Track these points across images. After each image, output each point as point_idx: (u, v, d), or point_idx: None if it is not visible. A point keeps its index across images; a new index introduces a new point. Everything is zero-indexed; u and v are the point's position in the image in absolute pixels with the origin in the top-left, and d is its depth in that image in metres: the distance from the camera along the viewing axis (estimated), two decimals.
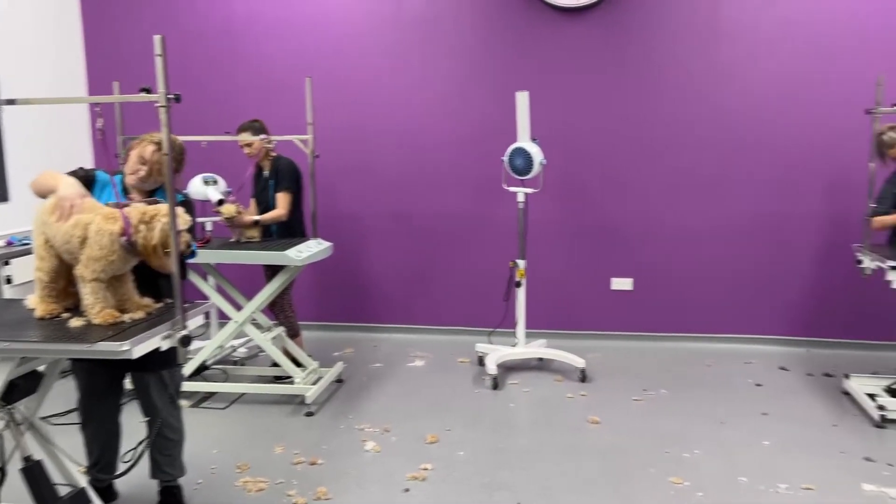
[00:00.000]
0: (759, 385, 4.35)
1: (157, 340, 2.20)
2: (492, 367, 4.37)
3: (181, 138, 2.99)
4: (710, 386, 4.34)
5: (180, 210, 2.30)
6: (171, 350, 2.27)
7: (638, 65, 4.94)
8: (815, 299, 4.99)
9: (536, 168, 4.36)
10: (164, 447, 2.88)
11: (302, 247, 3.99)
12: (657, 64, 4.93)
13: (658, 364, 4.75)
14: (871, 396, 3.83)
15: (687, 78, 4.91)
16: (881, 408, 3.68)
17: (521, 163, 4.40)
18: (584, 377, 4.44)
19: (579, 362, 4.46)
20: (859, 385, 4.04)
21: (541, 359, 4.80)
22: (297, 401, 4.11)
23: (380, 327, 5.51)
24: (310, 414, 3.94)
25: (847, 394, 4.13)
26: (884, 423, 3.68)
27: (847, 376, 4.16)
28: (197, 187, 4.25)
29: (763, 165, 4.91)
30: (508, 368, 4.67)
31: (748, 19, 4.79)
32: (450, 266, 5.36)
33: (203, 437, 3.64)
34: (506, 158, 4.47)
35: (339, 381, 4.48)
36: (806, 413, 3.91)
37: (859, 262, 3.91)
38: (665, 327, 5.19)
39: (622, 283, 5.18)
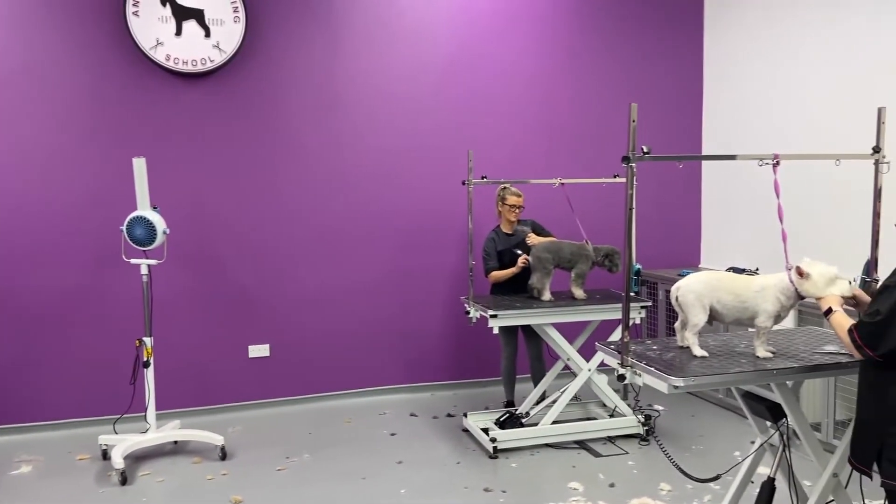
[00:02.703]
0: (393, 434, 4.63)
1: None
2: (118, 460, 3.93)
3: None
4: (350, 442, 4.48)
5: None
6: None
7: (261, 131, 5.01)
8: (434, 347, 5.52)
9: (160, 238, 4.11)
10: None
11: None
12: (279, 131, 5.05)
13: (300, 428, 4.76)
14: (486, 431, 4.33)
15: (307, 146, 5.12)
16: (493, 440, 4.18)
17: (142, 232, 4.10)
18: (224, 454, 4.24)
19: (218, 439, 4.25)
20: (475, 421, 4.54)
21: (176, 441, 4.46)
22: None
23: None
24: None
25: (466, 431, 4.61)
26: (496, 453, 4.19)
27: (465, 415, 4.65)
28: None
29: (384, 229, 5.31)
30: (139, 458, 4.24)
31: (357, 95, 5.18)
32: (62, 350, 4.72)
33: None
34: (124, 228, 4.13)
35: None
36: (434, 455, 4.26)
37: (467, 311, 4.45)
38: (304, 389, 5.24)
39: (259, 350, 5.12)
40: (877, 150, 2.89)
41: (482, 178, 4.55)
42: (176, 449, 4.42)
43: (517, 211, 4.69)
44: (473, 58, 5.39)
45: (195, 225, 4.91)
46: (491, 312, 4.14)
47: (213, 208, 4.96)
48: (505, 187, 4.72)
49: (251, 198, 5.03)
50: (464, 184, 4.50)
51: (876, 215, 2.94)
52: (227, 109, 4.93)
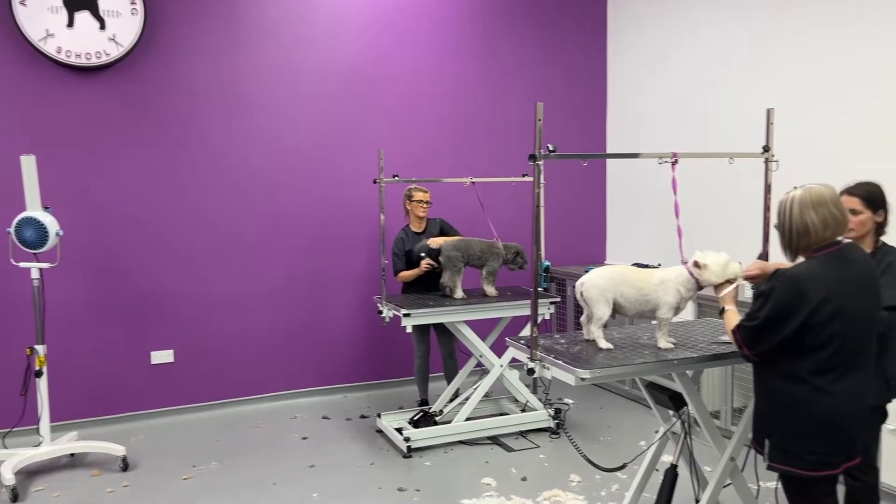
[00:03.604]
0: (305, 438, 4.54)
1: None
2: (8, 476, 3.69)
3: None
4: (259, 448, 4.37)
5: None
6: None
7: (162, 128, 4.81)
8: (347, 348, 5.45)
9: (52, 240, 3.89)
10: None
11: None
12: (181, 128, 4.86)
13: (207, 435, 4.61)
14: (400, 430, 4.31)
15: (210, 144, 4.95)
16: (407, 439, 4.17)
17: (33, 234, 3.87)
18: (126, 465, 4.05)
19: (119, 450, 4.05)
20: (388, 422, 4.52)
21: (73, 454, 4.23)
22: None
23: None
24: None
25: (380, 431, 4.58)
26: (410, 452, 4.17)
27: (379, 415, 4.62)
28: None
29: (293, 229, 5.21)
30: (32, 473, 4.00)
31: (263, 92, 5.05)
32: None
33: None
34: (12, 230, 3.88)
35: None
36: (347, 457, 4.20)
37: (380, 311, 4.42)
38: (212, 395, 5.07)
39: (163, 356, 4.91)
40: (766, 149, 3.05)
41: (393, 176, 4.53)
42: (73, 462, 4.19)
43: (424, 206, 4.68)
44: (383, 56, 5.36)
45: (92, 226, 4.67)
46: (404, 311, 4.12)
47: (112, 209, 4.73)
48: (412, 186, 4.71)
49: (152, 197, 4.83)
50: (375, 182, 4.47)
51: (766, 209, 3.10)
52: (125, 105, 4.72)
